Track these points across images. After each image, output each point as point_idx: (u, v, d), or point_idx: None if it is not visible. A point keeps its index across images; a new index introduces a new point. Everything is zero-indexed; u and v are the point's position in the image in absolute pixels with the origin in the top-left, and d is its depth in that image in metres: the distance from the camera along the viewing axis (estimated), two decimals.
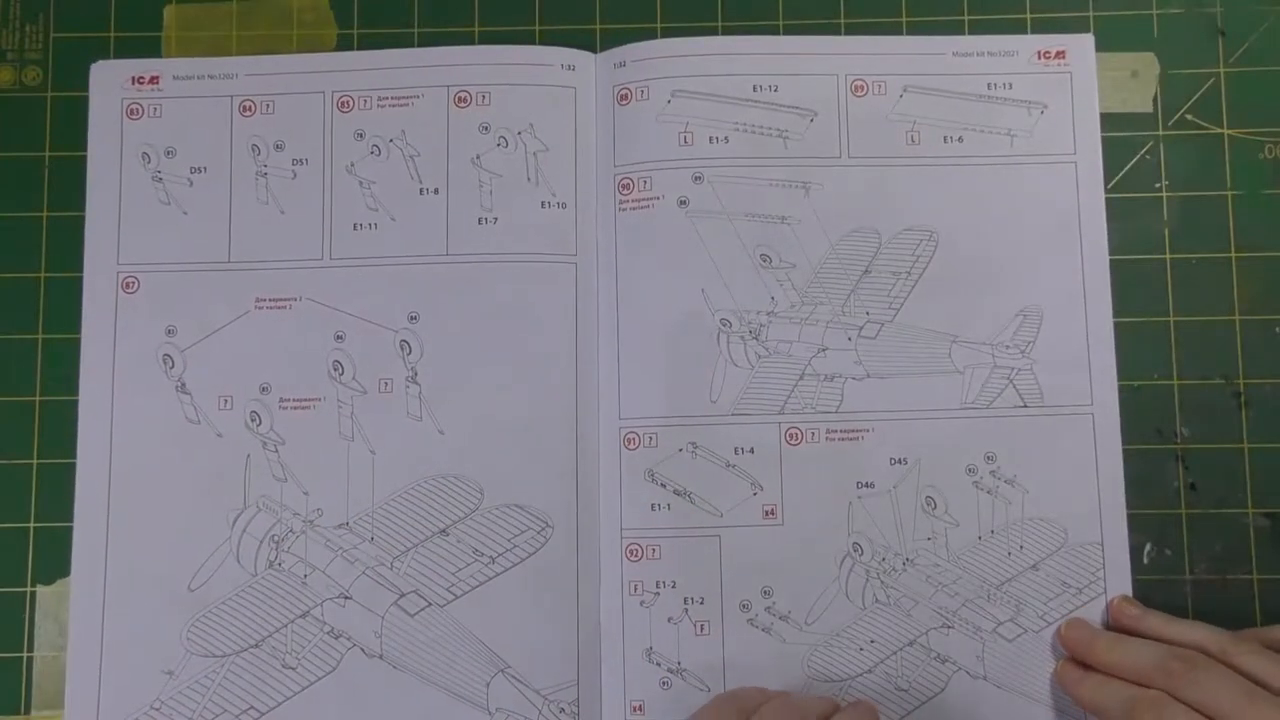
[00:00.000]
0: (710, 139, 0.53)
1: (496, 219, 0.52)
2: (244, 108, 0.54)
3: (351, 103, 0.54)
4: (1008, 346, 0.51)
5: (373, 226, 0.53)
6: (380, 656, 0.49)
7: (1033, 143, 0.53)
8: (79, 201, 0.53)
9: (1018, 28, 0.54)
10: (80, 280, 0.53)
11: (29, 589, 0.52)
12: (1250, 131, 0.54)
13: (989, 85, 0.53)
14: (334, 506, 0.51)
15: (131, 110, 0.54)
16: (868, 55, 0.54)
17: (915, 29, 0.54)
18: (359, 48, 0.55)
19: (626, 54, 0.54)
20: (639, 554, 0.50)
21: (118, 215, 0.53)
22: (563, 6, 0.55)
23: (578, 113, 0.53)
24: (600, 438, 0.51)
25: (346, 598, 0.49)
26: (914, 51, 0.54)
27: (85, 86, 0.54)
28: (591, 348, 0.52)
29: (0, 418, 0.53)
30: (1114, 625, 0.49)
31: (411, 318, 0.52)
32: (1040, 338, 0.52)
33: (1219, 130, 0.54)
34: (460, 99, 0.53)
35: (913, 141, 0.53)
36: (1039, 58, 0.53)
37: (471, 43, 0.55)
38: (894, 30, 0.54)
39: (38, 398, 0.53)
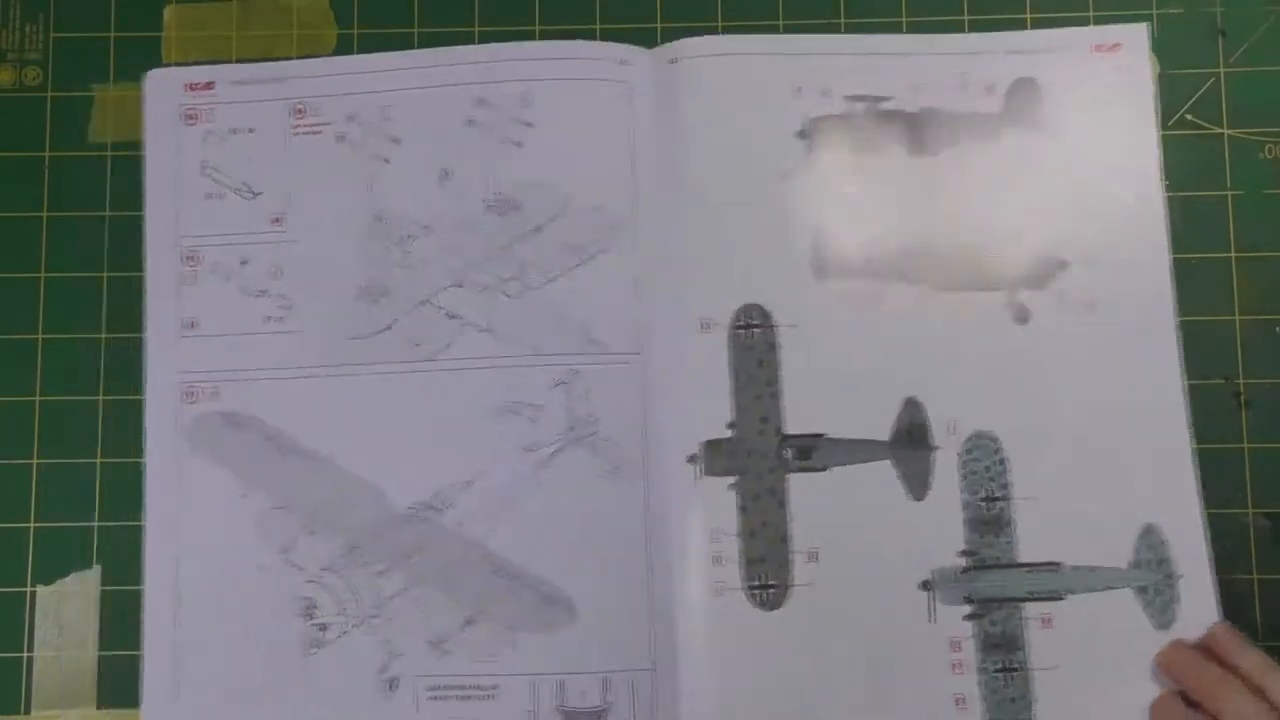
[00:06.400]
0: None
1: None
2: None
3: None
4: None
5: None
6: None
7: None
8: (78, 201, 0.53)
9: (1019, 27, 0.54)
10: (80, 279, 0.53)
11: (29, 589, 0.52)
12: (1250, 131, 0.54)
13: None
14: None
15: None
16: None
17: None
18: (359, 48, 0.55)
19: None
20: None
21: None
22: (560, 7, 0.55)
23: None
24: None
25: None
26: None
27: (85, 86, 0.54)
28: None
29: (0, 418, 0.53)
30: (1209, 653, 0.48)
31: None
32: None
33: (1219, 130, 0.54)
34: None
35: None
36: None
37: (472, 42, 0.55)
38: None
39: (38, 398, 0.53)
